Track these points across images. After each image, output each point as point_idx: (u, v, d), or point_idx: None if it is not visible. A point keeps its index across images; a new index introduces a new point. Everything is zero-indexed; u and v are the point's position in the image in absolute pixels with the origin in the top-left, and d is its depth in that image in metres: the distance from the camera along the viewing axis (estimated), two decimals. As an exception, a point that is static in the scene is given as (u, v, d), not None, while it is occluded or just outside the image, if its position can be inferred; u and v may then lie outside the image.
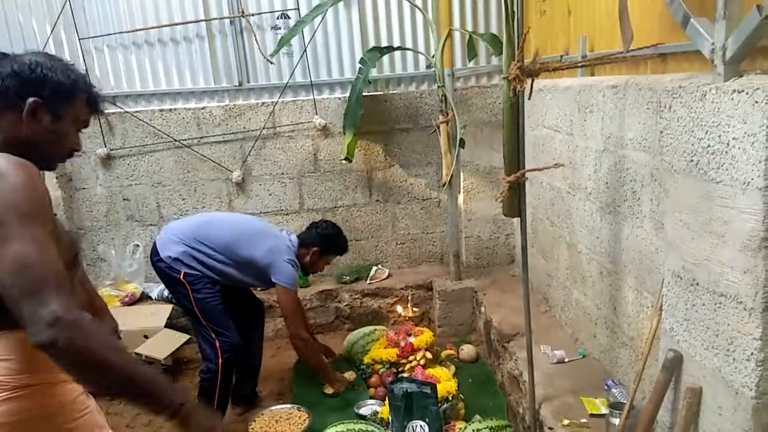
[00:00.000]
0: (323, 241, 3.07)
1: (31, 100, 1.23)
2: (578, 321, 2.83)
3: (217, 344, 2.68)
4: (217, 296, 2.74)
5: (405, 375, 3.05)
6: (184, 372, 3.59)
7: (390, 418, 2.49)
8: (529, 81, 1.98)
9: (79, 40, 3.70)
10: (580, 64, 2.13)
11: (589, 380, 2.49)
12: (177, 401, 1.16)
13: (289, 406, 2.94)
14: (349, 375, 3.23)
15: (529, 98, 2.03)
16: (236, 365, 2.80)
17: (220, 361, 2.67)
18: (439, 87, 3.53)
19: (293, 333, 2.93)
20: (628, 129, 2.12)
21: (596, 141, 2.41)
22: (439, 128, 3.59)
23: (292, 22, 3.72)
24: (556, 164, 2.09)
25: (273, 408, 2.92)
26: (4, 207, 1.07)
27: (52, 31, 3.67)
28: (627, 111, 2.12)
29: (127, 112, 3.82)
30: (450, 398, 2.72)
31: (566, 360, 2.69)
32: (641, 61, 2.24)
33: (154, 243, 2.81)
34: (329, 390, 3.11)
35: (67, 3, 3.62)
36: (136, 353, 3.46)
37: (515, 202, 2.17)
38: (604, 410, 2.23)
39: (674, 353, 1.65)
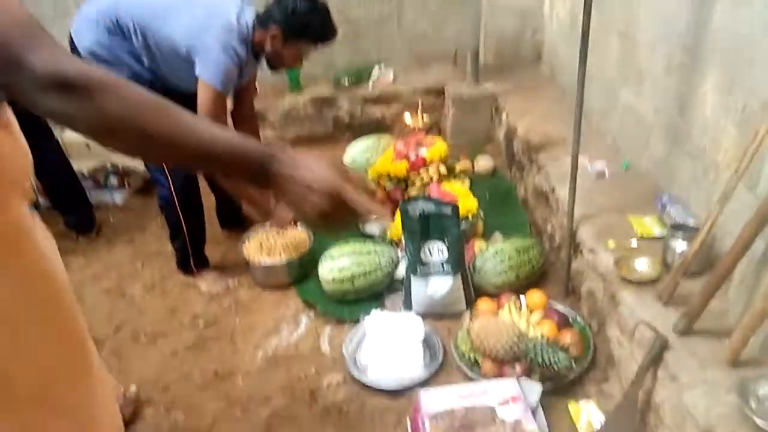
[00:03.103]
0: (288, 19, 2.04)
1: None
2: (624, 128, 2.40)
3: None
4: None
5: (417, 191, 2.71)
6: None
7: (403, 239, 2.18)
8: None
9: None
10: None
11: (637, 197, 2.13)
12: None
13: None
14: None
15: None
16: (193, 187, 2.33)
17: (171, 183, 2.23)
18: None
19: None
20: None
21: None
22: None
23: None
24: None
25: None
26: None
27: None
28: None
29: None
30: (470, 217, 2.40)
31: (607, 173, 2.31)
32: None
33: (70, 35, 2.11)
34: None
35: None
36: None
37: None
38: (659, 232, 1.91)
39: (794, 167, 1.24)
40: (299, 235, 2.53)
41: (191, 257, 2.43)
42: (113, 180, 3.16)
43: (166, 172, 2.23)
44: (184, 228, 2.34)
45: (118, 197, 3.14)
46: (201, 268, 2.47)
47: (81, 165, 3.05)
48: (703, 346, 1.45)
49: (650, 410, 1.53)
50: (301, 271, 2.42)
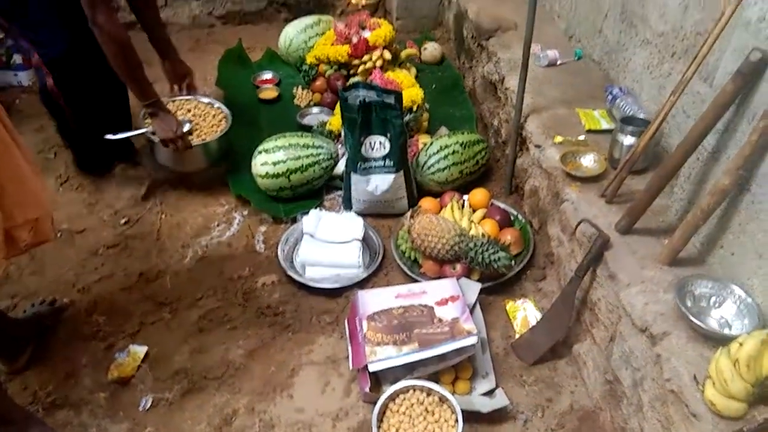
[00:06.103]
0: None
1: None
2: (579, 12, 2.23)
3: (37, 57, 1.89)
4: None
5: (359, 79, 2.51)
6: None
7: (343, 132, 2.02)
8: None
9: None
10: None
11: (588, 88, 2.03)
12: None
13: (201, 98, 2.27)
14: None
15: None
16: (75, 72, 1.94)
17: (49, 81, 1.92)
18: None
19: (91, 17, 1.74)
20: None
21: None
22: None
23: None
24: None
25: (177, 98, 2.25)
26: None
27: None
28: None
29: None
30: (414, 109, 2.24)
31: (559, 62, 2.18)
32: None
33: None
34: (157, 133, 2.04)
35: None
36: None
37: None
38: (606, 125, 1.82)
39: (761, 55, 1.14)
40: (212, 115, 2.22)
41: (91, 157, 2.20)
42: (17, 59, 2.78)
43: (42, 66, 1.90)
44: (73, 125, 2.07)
45: (25, 78, 2.79)
46: (105, 171, 2.25)
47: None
48: (644, 245, 1.43)
49: (586, 308, 1.53)
50: (219, 154, 2.19)
